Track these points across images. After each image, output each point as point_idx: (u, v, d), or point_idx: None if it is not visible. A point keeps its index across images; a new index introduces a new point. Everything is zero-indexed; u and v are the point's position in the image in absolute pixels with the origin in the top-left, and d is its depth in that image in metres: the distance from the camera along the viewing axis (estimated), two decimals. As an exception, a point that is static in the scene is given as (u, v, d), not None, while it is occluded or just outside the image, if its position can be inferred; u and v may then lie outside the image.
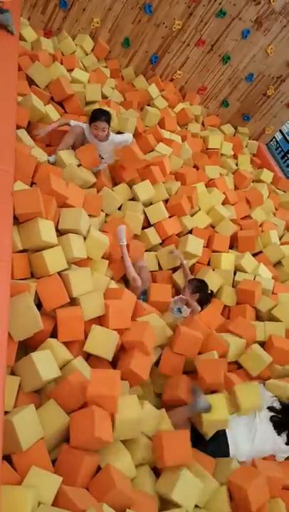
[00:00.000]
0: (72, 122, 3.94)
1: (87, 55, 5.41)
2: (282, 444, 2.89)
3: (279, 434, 2.89)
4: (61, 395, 2.39)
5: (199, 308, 3.51)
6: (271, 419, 2.91)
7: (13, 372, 2.43)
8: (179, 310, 3.44)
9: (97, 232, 3.34)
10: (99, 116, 3.79)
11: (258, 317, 3.90)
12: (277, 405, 2.96)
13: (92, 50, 5.49)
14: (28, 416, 2.18)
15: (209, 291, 3.64)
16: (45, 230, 2.86)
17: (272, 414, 2.92)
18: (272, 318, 3.82)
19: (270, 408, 2.94)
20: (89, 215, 3.37)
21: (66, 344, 2.72)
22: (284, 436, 2.90)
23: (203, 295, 3.56)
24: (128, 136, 4.13)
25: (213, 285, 3.82)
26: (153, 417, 2.63)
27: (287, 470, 2.82)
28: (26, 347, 2.65)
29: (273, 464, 2.85)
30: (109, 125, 3.86)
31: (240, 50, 6.06)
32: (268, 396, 3.01)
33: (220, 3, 5.53)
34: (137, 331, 2.89)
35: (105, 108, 4.66)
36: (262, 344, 3.59)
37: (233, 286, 4.02)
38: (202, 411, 2.72)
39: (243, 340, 3.37)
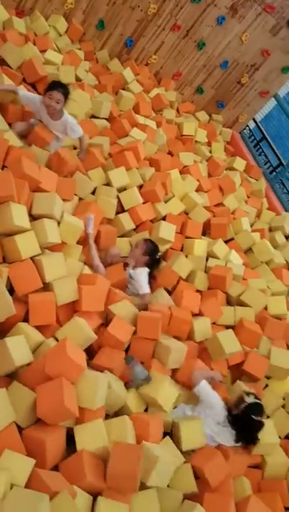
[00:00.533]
0: (21, 92, 3.70)
1: (60, 36, 5.30)
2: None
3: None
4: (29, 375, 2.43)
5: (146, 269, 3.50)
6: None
7: (-16, 357, 2.42)
8: (130, 275, 3.49)
9: (70, 217, 3.32)
10: (56, 86, 3.60)
11: (229, 302, 3.99)
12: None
13: (65, 32, 5.38)
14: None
15: (158, 257, 3.62)
16: (18, 214, 2.83)
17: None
18: (242, 304, 3.91)
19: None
20: (62, 199, 3.34)
21: (38, 328, 2.72)
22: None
23: (153, 259, 3.55)
24: (79, 129, 3.88)
25: (183, 270, 3.88)
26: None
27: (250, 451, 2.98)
28: (-2, 332, 2.64)
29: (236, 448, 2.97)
30: (65, 101, 3.64)
31: (215, 36, 6.05)
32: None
33: (196, -12, 5.50)
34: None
35: (79, 91, 4.61)
36: (232, 328, 3.68)
37: (205, 272, 4.08)
38: (143, 382, 2.78)
39: (208, 319, 3.47)
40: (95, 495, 2.20)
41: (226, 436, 2.86)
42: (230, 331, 3.43)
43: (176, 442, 2.75)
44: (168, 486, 2.55)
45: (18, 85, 4.13)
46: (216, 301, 3.70)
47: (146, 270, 3.49)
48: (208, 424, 2.83)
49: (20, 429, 2.25)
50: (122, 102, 5.16)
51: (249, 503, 2.67)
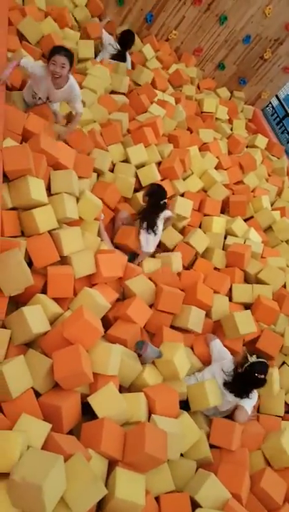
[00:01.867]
0: (23, 60, 3.30)
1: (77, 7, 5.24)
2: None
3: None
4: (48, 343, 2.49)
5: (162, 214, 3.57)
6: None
7: (4, 326, 2.48)
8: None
9: (90, 194, 3.32)
10: (58, 49, 3.30)
11: (247, 280, 3.96)
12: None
13: (86, 6, 5.32)
14: (17, 366, 2.25)
15: (161, 202, 3.55)
16: (36, 188, 2.85)
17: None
18: (260, 282, 3.87)
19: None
20: (79, 177, 3.34)
21: (56, 300, 2.77)
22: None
23: (153, 202, 3.53)
24: (81, 105, 3.71)
25: (201, 245, 3.89)
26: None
27: (265, 425, 3.03)
28: (17, 303, 2.69)
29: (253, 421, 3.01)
30: (70, 65, 3.35)
31: (237, 9, 5.89)
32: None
33: None
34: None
35: (98, 66, 4.57)
36: (250, 306, 3.67)
37: (223, 250, 4.05)
38: (156, 358, 2.83)
39: (226, 298, 3.50)
40: (111, 462, 2.25)
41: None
42: (248, 312, 3.43)
43: (197, 402, 2.84)
44: (182, 455, 2.62)
45: (37, 60, 4.12)
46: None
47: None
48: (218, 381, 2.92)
49: (37, 394, 2.31)
50: (142, 76, 5.09)
51: (264, 475, 2.68)
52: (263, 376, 2.85)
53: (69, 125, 3.71)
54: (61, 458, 1.90)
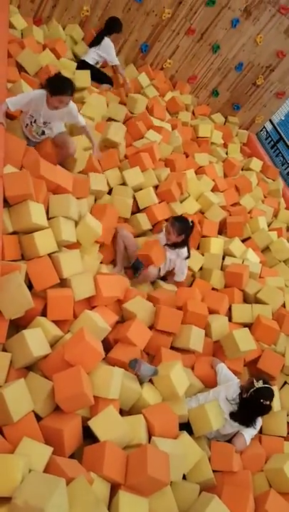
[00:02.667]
0: (8, 102, 3.24)
1: (76, 44, 5.43)
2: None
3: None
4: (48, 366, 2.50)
5: (185, 253, 3.70)
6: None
7: (4, 349, 2.48)
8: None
9: (90, 219, 3.36)
10: (66, 88, 3.31)
11: (246, 300, 3.98)
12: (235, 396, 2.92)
13: (82, 39, 5.51)
14: (18, 389, 2.25)
15: (191, 224, 3.70)
16: (36, 212, 2.90)
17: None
18: (259, 301, 3.89)
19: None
20: (78, 198, 3.41)
21: (56, 323, 2.78)
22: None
23: (188, 234, 3.68)
24: (82, 117, 3.80)
25: (195, 265, 3.99)
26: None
27: (267, 446, 3.02)
28: (17, 326, 2.71)
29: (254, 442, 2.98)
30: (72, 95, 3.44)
31: (229, 39, 6.10)
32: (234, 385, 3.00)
33: (209, -8, 5.57)
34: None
35: (95, 95, 4.70)
36: (250, 326, 3.68)
37: (221, 270, 4.08)
38: (152, 376, 2.82)
39: (225, 318, 3.51)
40: (113, 485, 2.23)
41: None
42: (246, 329, 3.43)
43: (199, 427, 2.81)
44: (185, 477, 2.58)
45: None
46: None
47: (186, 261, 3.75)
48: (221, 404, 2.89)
49: (38, 418, 2.31)
50: (137, 105, 5.23)
51: (269, 498, 2.64)
52: (268, 402, 2.81)
53: (92, 142, 3.96)
54: (63, 481, 1.88)
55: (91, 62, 5.30)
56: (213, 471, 2.71)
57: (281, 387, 3.49)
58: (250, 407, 2.81)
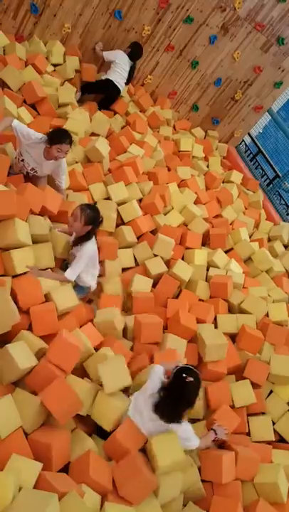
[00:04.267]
0: (15, 122, 3.42)
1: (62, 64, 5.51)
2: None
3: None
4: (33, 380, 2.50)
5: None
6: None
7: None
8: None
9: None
10: (66, 138, 3.44)
11: (230, 310, 4.03)
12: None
13: (64, 55, 5.58)
14: (5, 406, 2.24)
15: (100, 220, 3.26)
16: (22, 230, 2.93)
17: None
18: (243, 311, 3.96)
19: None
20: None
21: (43, 338, 2.78)
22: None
23: (95, 226, 3.23)
24: (67, 181, 3.92)
25: (185, 274, 3.97)
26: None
27: (259, 450, 3.03)
28: (1, 342, 2.69)
29: (245, 446, 3.01)
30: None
31: (208, 55, 6.25)
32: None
33: (187, 10, 5.71)
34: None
35: (78, 110, 4.76)
36: (235, 335, 3.74)
37: (206, 281, 4.13)
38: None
39: (212, 325, 3.61)
40: (103, 496, 2.23)
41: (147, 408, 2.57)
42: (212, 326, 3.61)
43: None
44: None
45: (19, 107, 4.28)
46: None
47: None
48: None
49: (25, 434, 2.29)
50: (117, 122, 5.33)
51: (257, 507, 2.67)
52: (192, 379, 2.47)
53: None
54: (55, 496, 1.88)
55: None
56: (204, 481, 2.72)
57: (267, 396, 3.53)
58: (174, 387, 2.49)
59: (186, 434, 2.60)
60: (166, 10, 5.67)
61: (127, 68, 5.60)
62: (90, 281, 3.40)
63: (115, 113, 5.64)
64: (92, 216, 3.14)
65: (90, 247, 3.22)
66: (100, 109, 5.48)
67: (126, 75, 5.61)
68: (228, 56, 6.32)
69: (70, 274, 3.13)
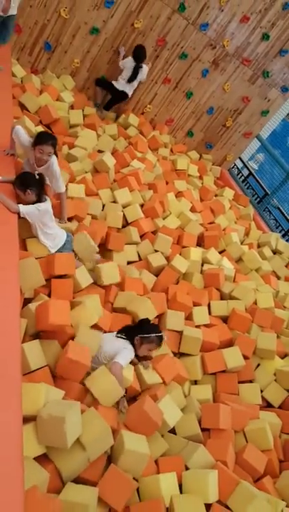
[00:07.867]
0: (17, 127, 3.55)
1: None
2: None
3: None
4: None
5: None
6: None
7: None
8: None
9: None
10: (45, 139, 3.45)
11: (222, 298, 4.54)
12: None
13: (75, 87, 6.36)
14: (34, 348, 2.71)
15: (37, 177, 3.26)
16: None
17: None
18: (233, 299, 4.47)
19: None
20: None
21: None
22: None
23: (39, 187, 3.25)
24: (63, 184, 3.81)
25: (182, 267, 4.47)
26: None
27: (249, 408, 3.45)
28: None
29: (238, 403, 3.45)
30: (54, 151, 3.55)
31: (201, 87, 7.03)
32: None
33: (182, 47, 6.52)
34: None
35: (86, 130, 5.43)
36: (226, 319, 4.24)
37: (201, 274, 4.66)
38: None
39: (206, 307, 4.11)
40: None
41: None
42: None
43: None
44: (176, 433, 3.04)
45: (36, 126, 4.94)
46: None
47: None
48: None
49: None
50: (121, 143, 6.01)
51: (246, 449, 3.08)
52: (150, 321, 3.29)
53: (62, 205, 3.89)
54: (78, 404, 2.34)
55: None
56: (203, 429, 3.14)
57: (255, 369, 3.97)
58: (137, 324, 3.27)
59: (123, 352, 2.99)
60: (163, 47, 6.49)
61: (131, 71, 6.25)
62: (47, 242, 3.40)
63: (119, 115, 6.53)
64: (23, 181, 3.23)
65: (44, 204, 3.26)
66: (106, 109, 6.46)
67: (129, 74, 6.27)
68: (219, 87, 7.10)
69: (23, 208, 3.15)
